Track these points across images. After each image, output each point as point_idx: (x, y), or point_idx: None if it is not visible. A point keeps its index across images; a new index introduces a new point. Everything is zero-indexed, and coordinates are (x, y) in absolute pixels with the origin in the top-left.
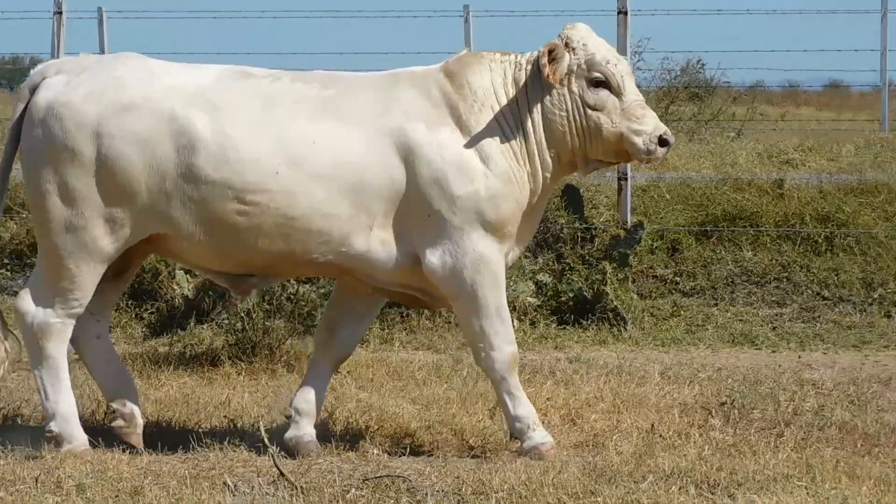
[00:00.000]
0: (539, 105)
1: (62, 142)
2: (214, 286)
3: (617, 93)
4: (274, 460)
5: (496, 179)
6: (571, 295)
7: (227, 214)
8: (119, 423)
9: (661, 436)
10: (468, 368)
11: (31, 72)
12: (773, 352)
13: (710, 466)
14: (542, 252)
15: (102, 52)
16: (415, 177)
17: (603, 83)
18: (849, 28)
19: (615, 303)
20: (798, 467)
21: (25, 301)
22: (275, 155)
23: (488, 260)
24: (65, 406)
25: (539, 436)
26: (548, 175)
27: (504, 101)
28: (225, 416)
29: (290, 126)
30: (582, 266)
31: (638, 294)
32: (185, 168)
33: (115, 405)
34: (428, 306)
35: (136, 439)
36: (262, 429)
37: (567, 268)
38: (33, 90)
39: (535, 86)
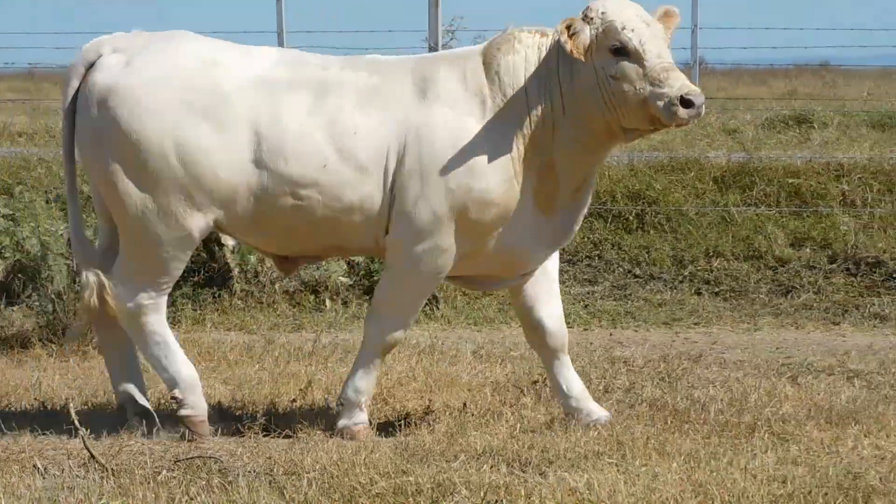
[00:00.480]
0: (568, 84)
1: (126, 127)
2: (25, 268)
3: (636, 59)
4: (84, 442)
5: (495, 183)
6: None
7: (284, 208)
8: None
9: (473, 414)
10: (280, 349)
11: (83, 47)
12: (585, 329)
13: (522, 445)
14: None
15: None
16: (424, 158)
17: (622, 50)
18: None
19: None
20: (609, 444)
21: (115, 286)
22: (323, 147)
23: (445, 254)
24: (186, 373)
25: (360, 416)
26: (577, 159)
27: (531, 90)
28: (35, 399)
29: (337, 117)
30: None
31: None
32: (246, 159)
33: (127, 405)
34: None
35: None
36: (73, 411)
37: None
38: (88, 67)
39: (564, 65)
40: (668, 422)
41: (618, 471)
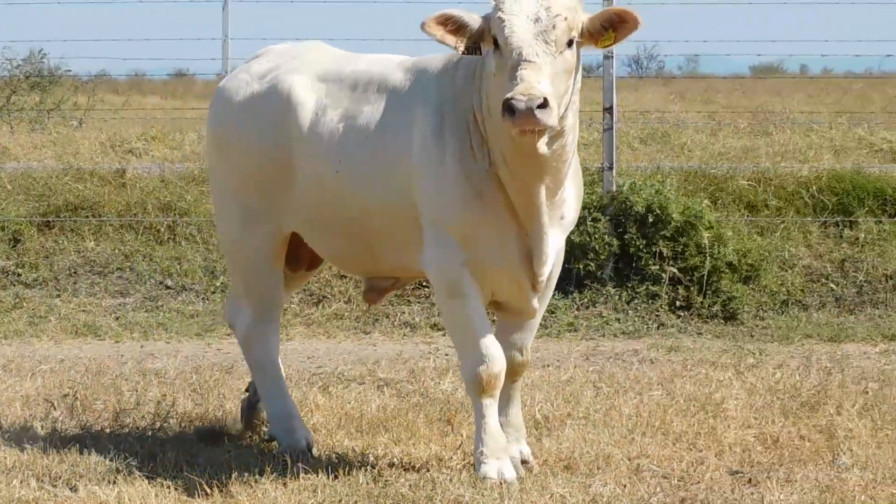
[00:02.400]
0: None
1: (211, 128)
2: None
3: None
4: None
5: (455, 193)
6: None
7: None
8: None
9: (2, 429)
10: None
11: None
12: (117, 342)
13: (52, 459)
14: None
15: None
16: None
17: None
18: (191, 17)
19: None
20: (141, 458)
21: (227, 313)
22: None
23: (449, 269)
24: (280, 407)
25: (485, 467)
26: (506, 167)
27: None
28: None
29: (356, 119)
30: None
31: None
32: (294, 157)
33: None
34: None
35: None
36: None
37: None
38: None
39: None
40: (192, 432)
41: (149, 483)
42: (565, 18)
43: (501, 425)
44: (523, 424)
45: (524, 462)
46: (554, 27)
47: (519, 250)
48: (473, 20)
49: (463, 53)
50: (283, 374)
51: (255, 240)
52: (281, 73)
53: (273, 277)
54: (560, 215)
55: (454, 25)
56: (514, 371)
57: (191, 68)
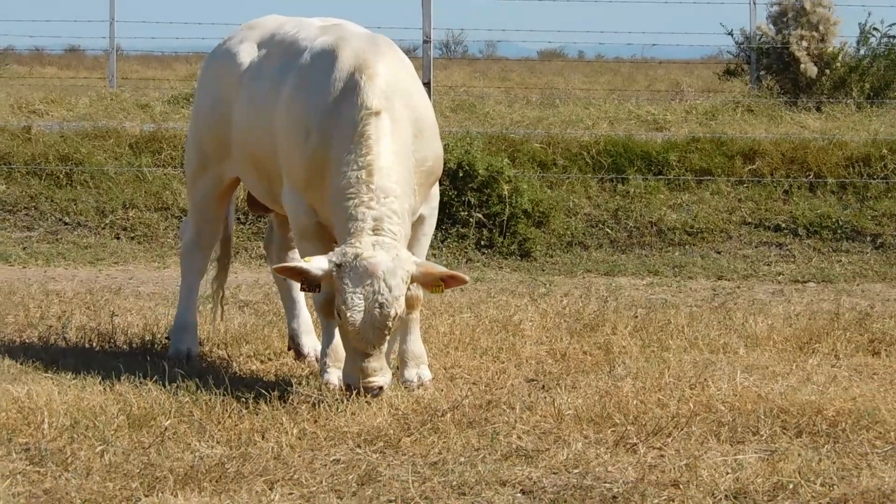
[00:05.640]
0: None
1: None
2: None
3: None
4: None
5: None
6: None
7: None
8: None
9: None
10: None
11: None
12: (24, 268)
13: None
14: None
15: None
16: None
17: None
18: (84, 1)
19: None
20: (44, 362)
21: (181, 228)
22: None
23: (290, 208)
24: (183, 318)
25: (325, 374)
26: None
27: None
28: None
29: (265, 76)
30: None
31: None
32: (233, 111)
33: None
34: None
35: None
36: None
37: None
38: None
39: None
40: (95, 344)
41: (53, 383)
42: (397, 312)
43: (403, 353)
44: (423, 351)
45: (421, 385)
46: (388, 325)
47: None
48: (315, 270)
49: (302, 290)
50: (198, 293)
51: (205, 179)
52: (232, 41)
53: (214, 213)
54: None
55: (297, 272)
56: (408, 304)
57: (82, 45)
